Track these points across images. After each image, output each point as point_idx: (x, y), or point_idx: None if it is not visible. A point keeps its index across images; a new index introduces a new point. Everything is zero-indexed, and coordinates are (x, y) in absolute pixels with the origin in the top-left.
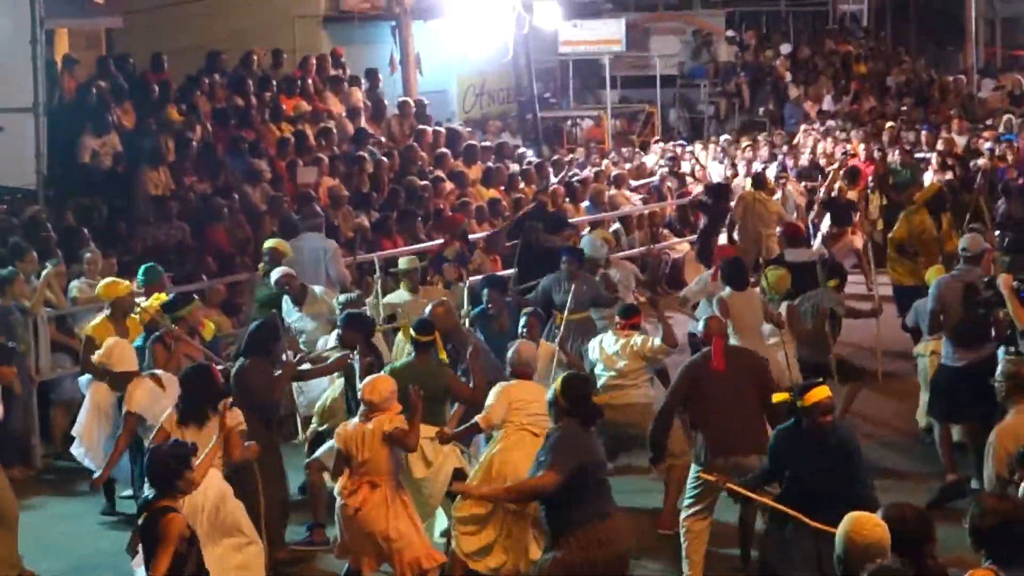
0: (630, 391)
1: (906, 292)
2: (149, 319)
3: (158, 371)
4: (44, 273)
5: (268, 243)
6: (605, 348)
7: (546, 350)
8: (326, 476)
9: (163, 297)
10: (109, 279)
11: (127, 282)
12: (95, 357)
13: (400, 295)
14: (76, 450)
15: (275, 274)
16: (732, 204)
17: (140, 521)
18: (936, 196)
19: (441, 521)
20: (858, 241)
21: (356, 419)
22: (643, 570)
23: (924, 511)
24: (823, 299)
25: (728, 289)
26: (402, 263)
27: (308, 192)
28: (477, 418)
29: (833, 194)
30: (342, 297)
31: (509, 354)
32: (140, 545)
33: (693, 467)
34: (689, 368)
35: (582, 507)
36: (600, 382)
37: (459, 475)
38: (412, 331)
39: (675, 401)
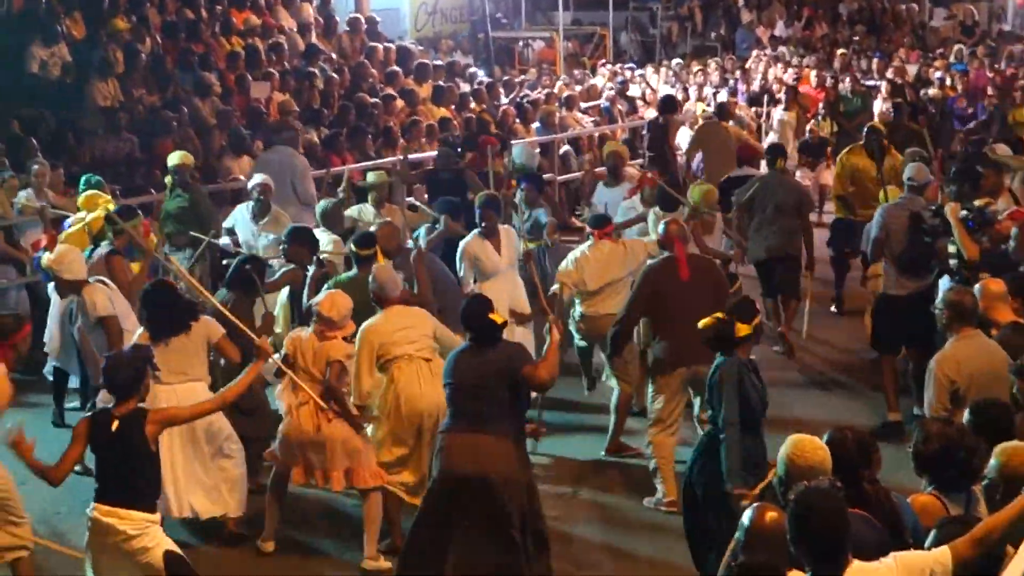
0: (609, 301)
1: (840, 224)
2: (97, 230)
3: (105, 279)
4: None
5: (174, 157)
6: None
7: (509, 234)
8: None
9: (111, 205)
10: (90, 192)
11: (107, 196)
12: (44, 260)
13: (365, 209)
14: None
15: (256, 179)
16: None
17: (109, 428)
18: (870, 134)
19: None
20: (827, 176)
21: (310, 330)
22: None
23: (866, 435)
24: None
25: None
26: (370, 177)
27: (258, 107)
28: (352, 400)
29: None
30: (322, 203)
31: (370, 282)
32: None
33: (651, 385)
34: (649, 274)
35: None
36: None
37: None
38: (352, 245)
39: (637, 308)
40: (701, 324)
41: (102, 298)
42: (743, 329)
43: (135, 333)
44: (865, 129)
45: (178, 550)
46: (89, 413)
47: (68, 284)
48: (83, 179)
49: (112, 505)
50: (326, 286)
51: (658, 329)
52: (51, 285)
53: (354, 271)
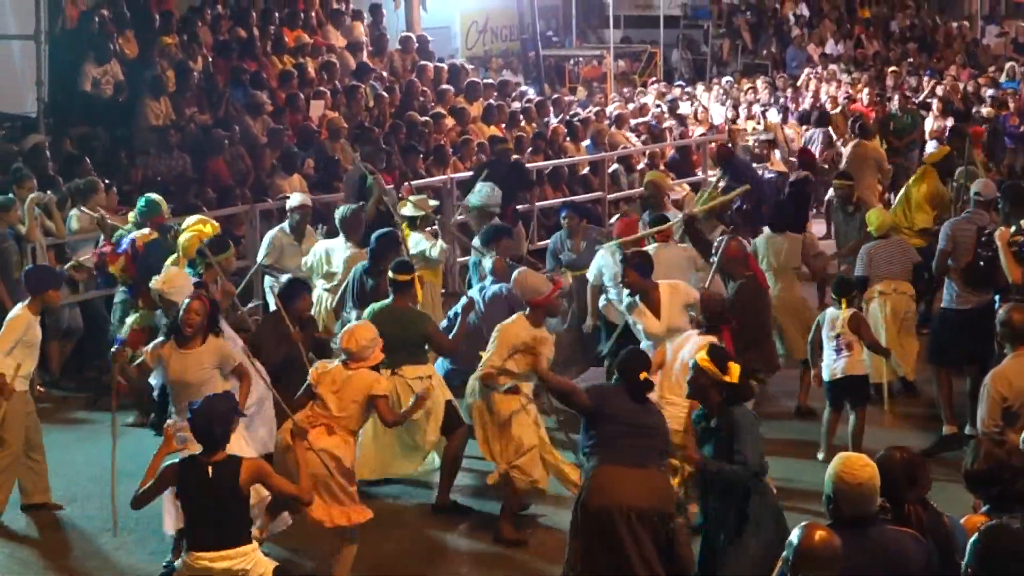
0: None
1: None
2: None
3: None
4: (28, 199)
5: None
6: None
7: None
8: None
9: (209, 231)
10: (196, 217)
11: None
12: (153, 283)
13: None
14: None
15: (294, 200)
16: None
17: (202, 475)
18: (946, 160)
19: (434, 460)
20: None
21: (337, 362)
22: None
23: (916, 456)
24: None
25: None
26: (408, 208)
27: (309, 125)
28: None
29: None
30: (341, 209)
31: (512, 285)
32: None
33: None
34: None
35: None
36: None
37: (450, 408)
38: (391, 271)
39: None
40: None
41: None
42: (734, 371)
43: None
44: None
45: (281, 567)
46: (177, 461)
47: (175, 306)
48: (143, 200)
49: (211, 550)
50: (365, 314)
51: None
52: (119, 297)
53: (390, 299)
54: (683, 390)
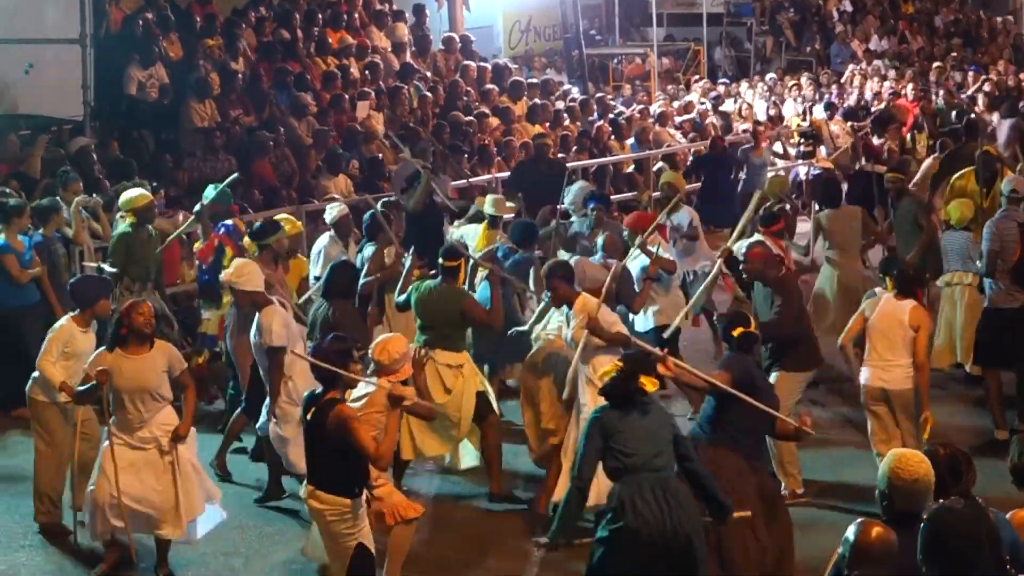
0: None
1: None
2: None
3: (284, 300)
4: (75, 202)
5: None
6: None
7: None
8: None
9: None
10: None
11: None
12: (223, 275)
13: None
14: None
15: (332, 214)
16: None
17: (308, 417)
18: (983, 159)
19: (471, 455)
20: None
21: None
22: None
23: (959, 452)
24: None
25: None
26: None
27: (353, 126)
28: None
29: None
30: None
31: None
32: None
33: None
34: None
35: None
36: None
37: (482, 398)
38: (440, 256)
39: None
40: (601, 373)
41: (279, 326)
42: (651, 385)
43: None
44: (978, 154)
45: (371, 547)
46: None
47: (246, 296)
48: (211, 187)
49: (311, 484)
50: (407, 293)
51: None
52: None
53: (438, 280)
54: (906, 350)
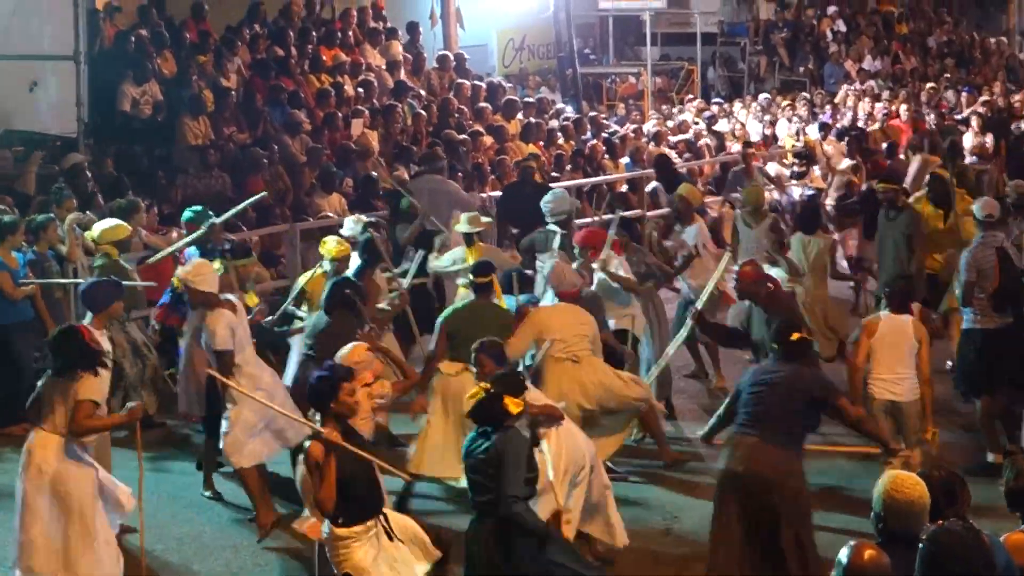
0: None
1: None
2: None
3: (231, 296)
4: (68, 219)
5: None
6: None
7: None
8: None
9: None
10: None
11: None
12: (179, 272)
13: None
14: None
15: (347, 229)
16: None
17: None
18: (933, 183)
19: None
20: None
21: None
22: None
23: (954, 474)
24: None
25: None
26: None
27: (347, 144)
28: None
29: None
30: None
31: (547, 275)
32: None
33: None
34: None
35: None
36: None
37: None
38: (471, 274)
39: None
40: (468, 396)
41: (223, 329)
42: (515, 407)
43: (245, 364)
44: (928, 177)
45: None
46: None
47: (199, 296)
48: (188, 211)
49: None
50: (443, 315)
51: None
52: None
53: (472, 297)
54: (912, 363)
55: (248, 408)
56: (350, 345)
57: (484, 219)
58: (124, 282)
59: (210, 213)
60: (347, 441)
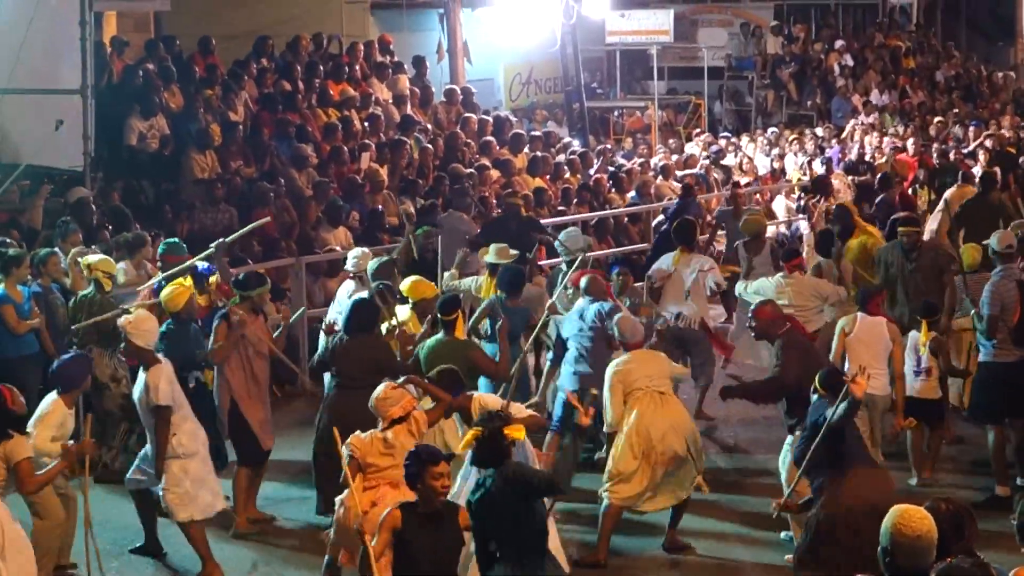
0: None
1: None
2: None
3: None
4: (71, 253)
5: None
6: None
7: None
8: None
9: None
10: (415, 278)
11: (431, 283)
12: (121, 320)
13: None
14: None
15: (351, 260)
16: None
17: None
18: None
19: None
20: None
21: (368, 432)
22: None
23: (962, 507)
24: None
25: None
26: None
27: (354, 178)
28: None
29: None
30: (373, 261)
31: (615, 331)
32: None
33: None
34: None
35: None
36: None
37: None
38: (438, 311)
39: None
40: (464, 444)
41: (165, 383)
42: (517, 432)
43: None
44: (834, 208)
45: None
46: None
47: (136, 350)
48: (163, 244)
49: None
50: (417, 351)
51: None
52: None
53: (442, 335)
54: (886, 360)
55: (195, 461)
56: (380, 386)
57: (512, 251)
58: (98, 318)
59: (183, 245)
60: (427, 525)
